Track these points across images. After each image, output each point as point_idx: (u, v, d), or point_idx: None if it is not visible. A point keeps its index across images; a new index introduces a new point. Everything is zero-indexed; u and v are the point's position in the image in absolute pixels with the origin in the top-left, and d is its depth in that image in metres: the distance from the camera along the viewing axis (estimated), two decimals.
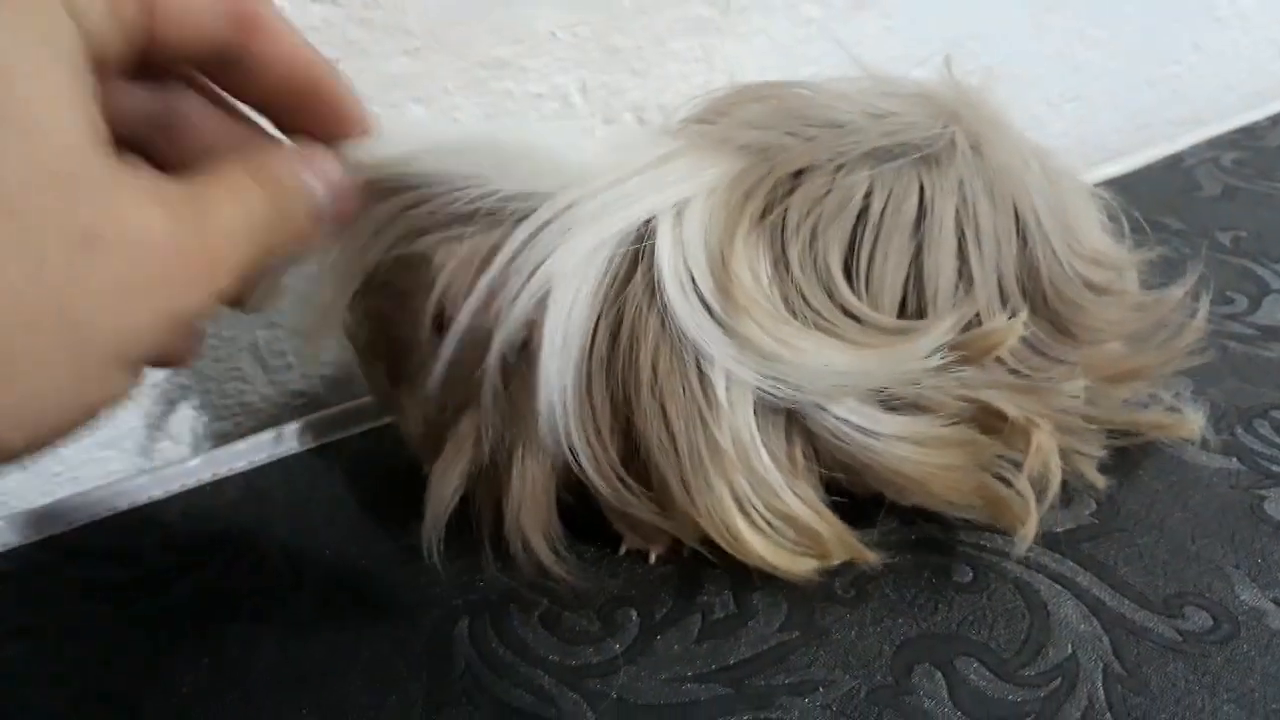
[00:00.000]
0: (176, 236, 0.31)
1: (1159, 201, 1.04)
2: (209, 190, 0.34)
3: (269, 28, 0.37)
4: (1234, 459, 0.65)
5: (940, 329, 0.55)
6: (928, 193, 0.57)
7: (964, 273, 0.58)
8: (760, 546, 0.54)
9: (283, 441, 0.73)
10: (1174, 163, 1.13)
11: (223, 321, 0.78)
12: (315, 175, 0.39)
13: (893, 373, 0.54)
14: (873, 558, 0.56)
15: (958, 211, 0.58)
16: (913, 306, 0.58)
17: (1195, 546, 0.59)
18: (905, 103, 0.62)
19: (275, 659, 0.55)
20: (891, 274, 0.57)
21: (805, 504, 0.55)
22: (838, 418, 0.54)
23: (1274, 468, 0.64)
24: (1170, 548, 0.59)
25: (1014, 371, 0.59)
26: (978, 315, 0.57)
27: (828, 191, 0.56)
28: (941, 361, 0.54)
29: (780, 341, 0.52)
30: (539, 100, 0.85)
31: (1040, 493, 0.55)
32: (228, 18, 0.36)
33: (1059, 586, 0.56)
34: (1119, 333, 0.63)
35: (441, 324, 0.52)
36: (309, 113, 0.40)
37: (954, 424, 0.55)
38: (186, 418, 0.81)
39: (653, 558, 0.60)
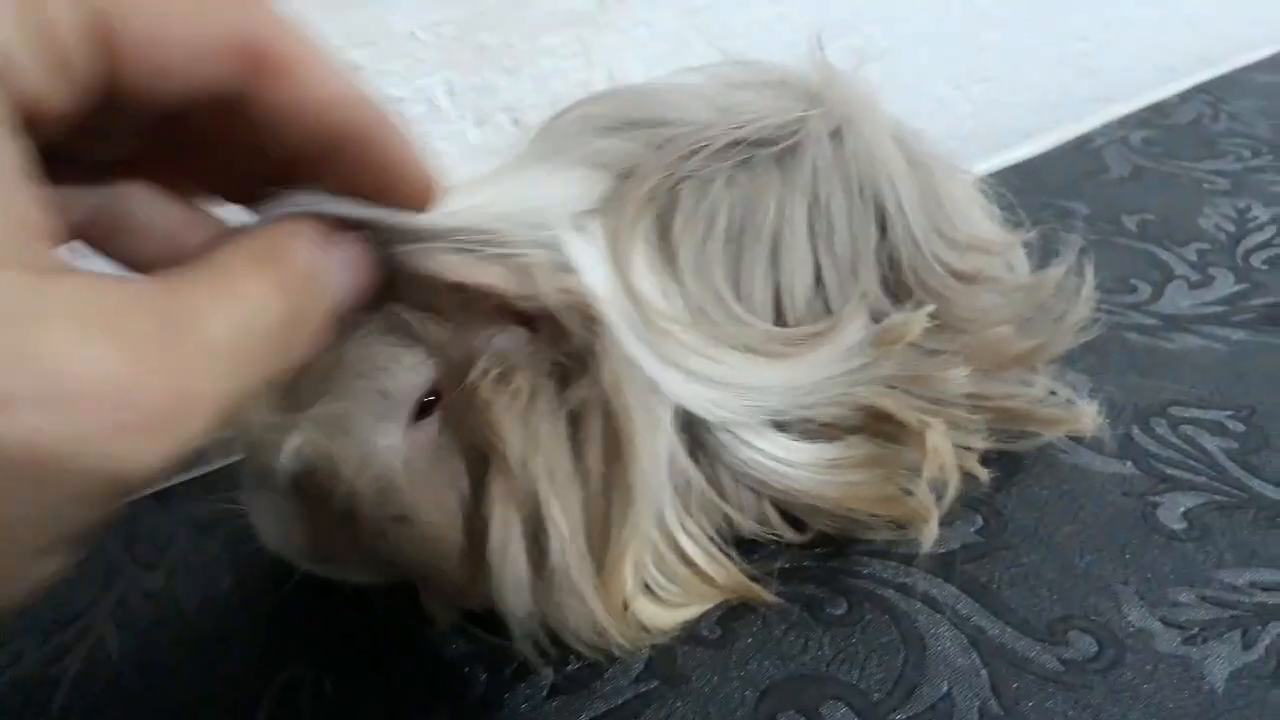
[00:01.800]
0: (134, 376, 0.23)
1: (1067, 185, 1.00)
2: (193, 295, 0.25)
3: (293, 67, 0.28)
4: (1128, 462, 0.62)
5: (851, 328, 0.53)
6: (778, 194, 0.54)
7: (820, 276, 0.55)
8: (650, 612, 0.51)
9: None
10: (1083, 143, 1.10)
11: None
12: (340, 257, 0.31)
13: (818, 380, 0.52)
14: (770, 598, 0.53)
15: (810, 210, 0.55)
16: (780, 317, 0.54)
17: (1084, 562, 0.55)
18: (761, 92, 0.58)
19: None
20: (760, 284, 0.54)
21: (699, 546, 0.52)
22: (755, 448, 0.52)
23: (1169, 470, 0.61)
24: (1058, 565, 0.55)
25: (900, 365, 0.55)
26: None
27: (696, 204, 0.53)
28: (863, 362, 0.53)
29: (710, 360, 0.50)
30: (402, 104, 0.80)
31: (939, 494, 0.55)
32: (232, 56, 0.27)
33: (938, 616, 0.53)
34: (997, 318, 0.60)
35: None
36: (349, 174, 0.31)
37: (858, 438, 0.54)
38: None
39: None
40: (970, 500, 0.59)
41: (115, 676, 0.53)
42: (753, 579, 0.53)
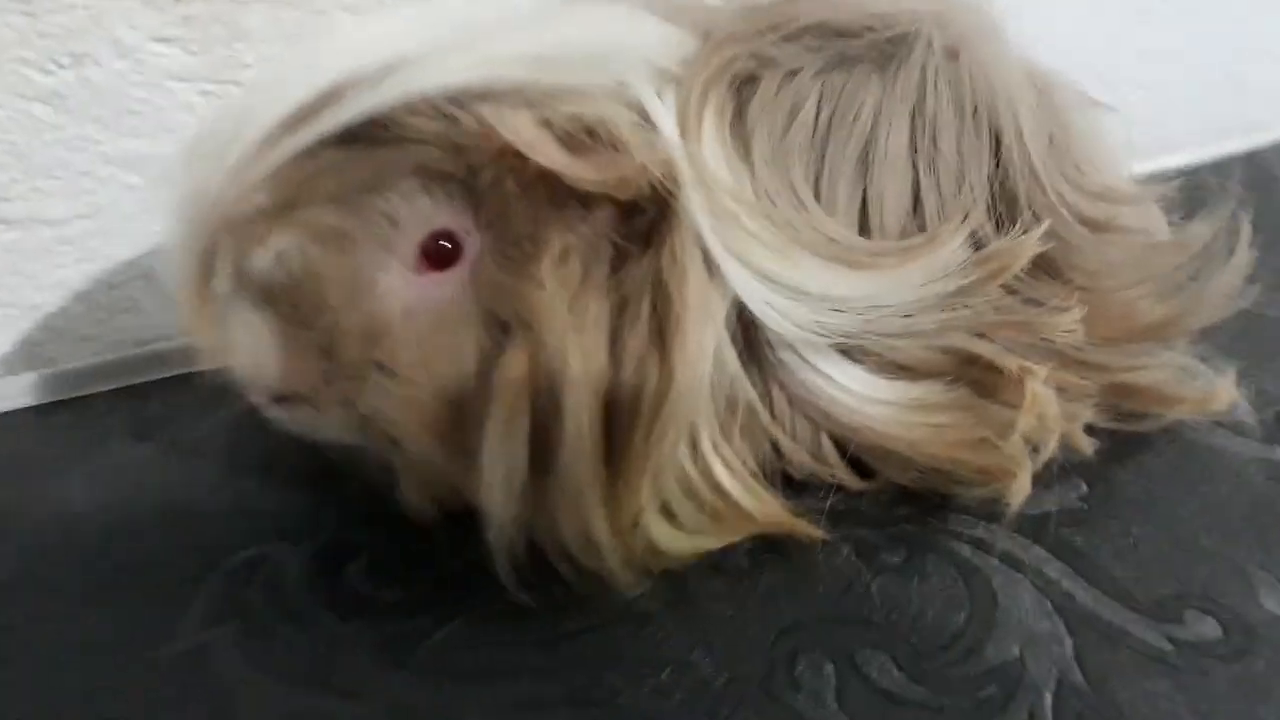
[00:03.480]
0: None
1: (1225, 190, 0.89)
2: None
3: None
4: (1277, 448, 0.51)
5: (949, 247, 0.45)
6: (875, 97, 0.46)
7: (918, 195, 0.47)
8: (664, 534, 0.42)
9: None
10: (1249, 158, 0.98)
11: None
12: None
13: (904, 301, 0.44)
14: (815, 532, 0.44)
15: (913, 121, 0.47)
16: (865, 229, 0.46)
17: (1210, 542, 0.44)
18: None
19: None
20: (844, 189, 0.46)
21: (734, 475, 0.43)
22: (820, 373, 0.44)
23: None
24: (1174, 541, 0.45)
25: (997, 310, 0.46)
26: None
27: (779, 89, 0.46)
28: (960, 284, 0.44)
29: (778, 255, 0.42)
30: None
31: (1035, 447, 0.45)
32: None
33: (1018, 575, 0.43)
34: (1127, 279, 0.50)
35: None
36: None
37: (943, 383, 0.45)
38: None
39: None
40: (1074, 466, 0.49)
41: (73, 527, 0.48)
42: (796, 515, 0.44)
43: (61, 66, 0.62)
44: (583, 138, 0.38)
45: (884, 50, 0.47)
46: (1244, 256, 0.53)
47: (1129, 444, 0.51)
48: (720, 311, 0.42)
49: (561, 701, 0.37)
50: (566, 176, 0.38)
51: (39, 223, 0.64)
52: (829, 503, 0.46)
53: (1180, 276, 0.52)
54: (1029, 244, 0.45)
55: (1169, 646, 0.39)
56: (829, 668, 0.38)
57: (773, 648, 0.39)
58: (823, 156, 0.45)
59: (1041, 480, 0.47)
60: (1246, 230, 0.54)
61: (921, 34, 0.48)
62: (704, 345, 0.41)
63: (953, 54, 0.48)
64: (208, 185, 0.39)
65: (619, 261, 0.40)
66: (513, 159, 0.38)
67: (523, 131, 0.37)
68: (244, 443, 0.53)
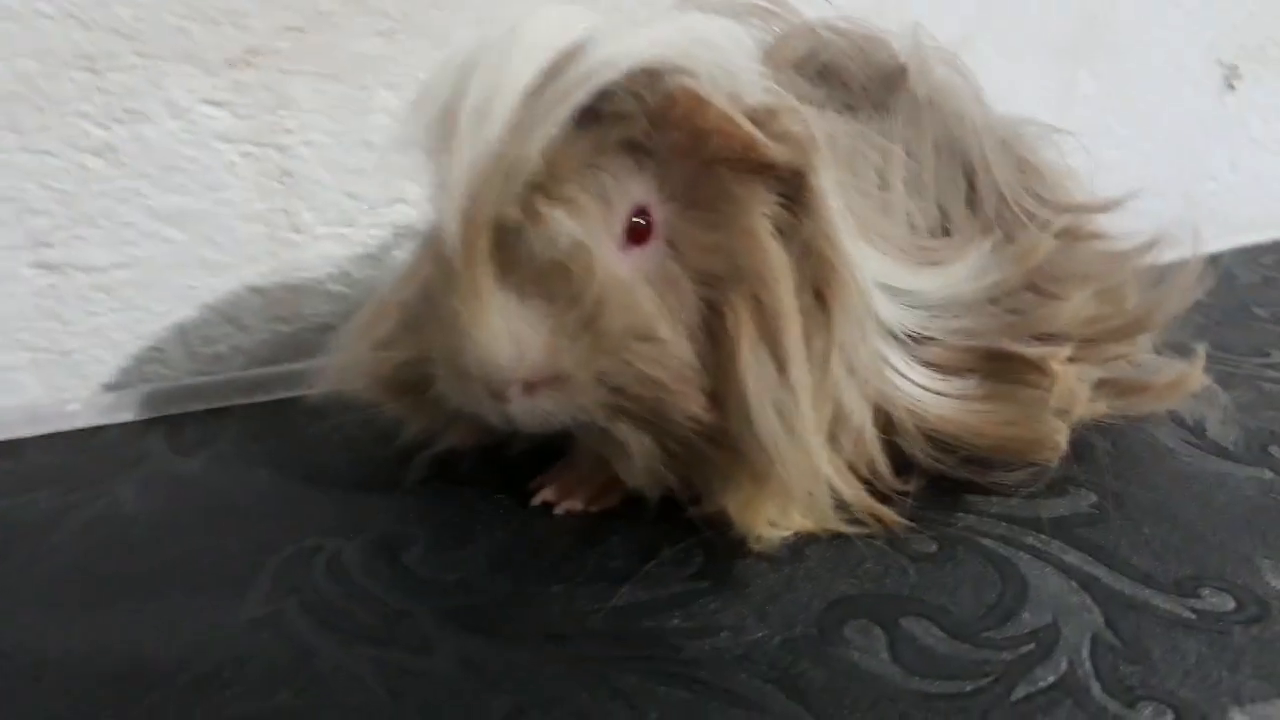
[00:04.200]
0: None
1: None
2: None
3: None
4: (1267, 470, 0.55)
5: (982, 249, 0.51)
6: (880, 145, 0.53)
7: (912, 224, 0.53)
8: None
9: None
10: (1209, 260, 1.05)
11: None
12: None
13: (957, 291, 0.49)
14: (900, 520, 0.47)
15: (907, 163, 0.53)
16: None
17: (1216, 539, 0.48)
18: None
19: None
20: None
21: (834, 467, 0.46)
22: (894, 368, 0.48)
23: None
24: (1185, 537, 0.48)
25: (1011, 311, 0.51)
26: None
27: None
28: (993, 280, 0.50)
29: (867, 245, 0.47)
30: None
31: (1063, 415, 0.49)
32: None
33: (1042, 562, 0.45)
34: (1092, 285, 0.55)
35: None
36: None
37: (976, 379, 0.49)
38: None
39: (561, 509, 0.50)
40: (1085, 481, 0.52)
41: (125, 527, 0.49)
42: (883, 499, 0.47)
43: (119, 122, 0.66)
44: (762, 114, 0.41)
45: (876, 97, 0.54)
46: (1198, 262, 0.59)
47: (1134, 465, 0.54)
48: (861, 278, 0.45)
49: (626, 657, 0.39)
50: (758, 147, 0.41)
51: (77, 269, 0.67)
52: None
53: (1143, 279, 0.58)
54: (1047, 240, 0.49)
55: (1191, 615, 0.41)
56: (876, 630, 0.40)
57: (822, 615, 0.41)
58: (854, 174, 0.50)
59: (1057, 491, 0.51)
60: (1199, 236, 0.59)
61: (907, 85, 0.54)
62: (855, 305, 0.45)
63: (930, 102, 0.55)
64: (476, 157, 0.38)
65: (783, 223, 0.43)
66: (705, 132, 0.40)
67: (725, 105, 0.40)
68: (289, 460, 0.55)
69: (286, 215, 0.72)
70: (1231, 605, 0.42)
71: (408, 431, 0.50)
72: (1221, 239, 1.12)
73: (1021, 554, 0.46)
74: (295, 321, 0.74)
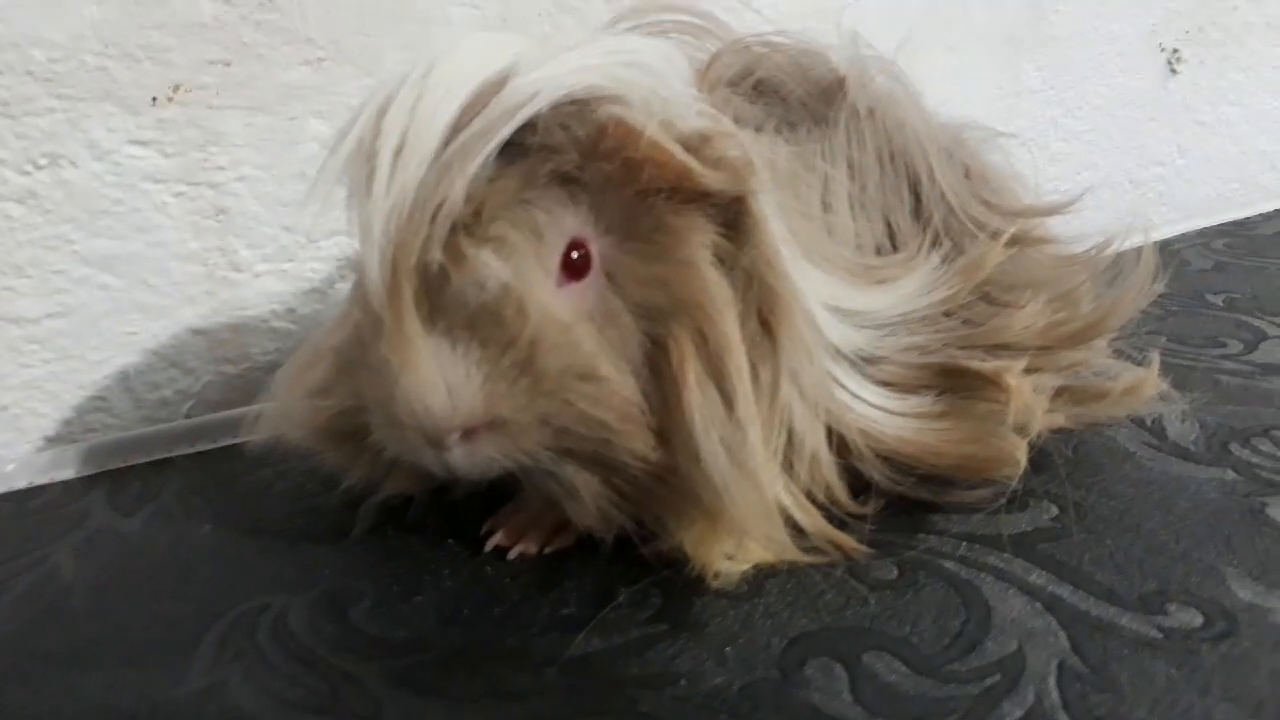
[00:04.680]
0: None
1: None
2: None
3: None
4: (1229, 470, 0.54)
5: (930, 261, 0.51)
6: (822, 161, 0.52)
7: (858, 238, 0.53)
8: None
9: None
10: (1161, 246, 1.05)
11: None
12: None
13: (908, 308, 0.49)
14: (861, 547, 0.46)
15: (850, 175, 0.53)
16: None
17: (1180, 547, 0.47)
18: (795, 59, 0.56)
19: None
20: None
21: (787, 490, 0.45)
22: (847, 389, 0.47)
23: (1277, 478, 0.53)
24: (1148, 549, 0.47)
25: (965, 323, 0.51)
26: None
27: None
28: (943, 295, 0.50)
29: (810, 268, 0.46)
30: None
31: (1021, 430, 0.48)
32: None
33: (1005, 584, 0.44)
34: (1044, 293, 0.55)
35: None
36: None
37: (931, 396, 0.49)
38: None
39: (514, 553, 0.48)
40: (1046, 492, 0.52)
41: (62, 596, 0.47)
42: (842, 525, 0.46)
43: (38, 167, 0.64)
44: (695, 141, 0.40)
45: (816, 112, 0.53)
46: (1151, 259, 0.58)
47: (1094, 473, 0.54)
48: (806, 302, 0.44)
49: (583, 713, 0.37)
50: (694, 175, 0.39)
51: (7, 321, 0.64)
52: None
53: (1097, 278, 0.58)
54: (996, 250, 0.49)
55: (1158, 634, 0.41)
56: (838, 669, 0.39)
57: (782, 656, 0.40)
58: (796, 197, 0.49)
59: (1017, 506, 0.50)
60: (1151, 239, 0.59)
61: (847, 98, 0.54)
62: (801, 329, 0.43)
63: (870, 114, 0.54)
64: (397, 200, 0.37)
65: (723, 251, 0.42)
66: (638, 162, 0.39)
67: (657, 134, 0.38)
68: (233, 512, 0.54)
69: (223, 253, 0.70)
70: (1199, 621, 0.41)
71: (349, 479, 0.49)
72: (1173, 225, 1.13)
73: (984, 575, 0.45)
74: (242, 362, 0.72)
